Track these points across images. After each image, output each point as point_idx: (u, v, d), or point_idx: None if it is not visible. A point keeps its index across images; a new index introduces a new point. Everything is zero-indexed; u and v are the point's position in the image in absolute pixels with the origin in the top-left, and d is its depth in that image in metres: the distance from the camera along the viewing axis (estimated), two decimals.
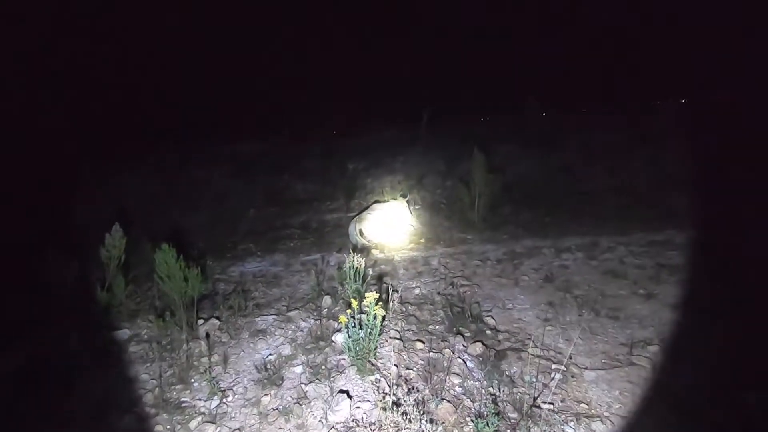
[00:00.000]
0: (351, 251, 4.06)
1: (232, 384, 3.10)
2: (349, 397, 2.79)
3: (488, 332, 3.61)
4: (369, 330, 2.95)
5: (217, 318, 3.93)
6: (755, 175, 6.60)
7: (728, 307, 3.61)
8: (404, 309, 3.97)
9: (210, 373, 3.15)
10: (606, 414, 2.70)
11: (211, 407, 2.88)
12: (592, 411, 2.73)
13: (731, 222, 5.32)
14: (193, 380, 3.16)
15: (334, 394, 2.84)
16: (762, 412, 2.62)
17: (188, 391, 3.05)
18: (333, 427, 2.60)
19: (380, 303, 2.94)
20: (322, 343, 3.48)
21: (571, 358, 3.19)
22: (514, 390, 2.89)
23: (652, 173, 7.58)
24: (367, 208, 6.31)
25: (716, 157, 7.79)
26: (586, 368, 3.13)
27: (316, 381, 3.01)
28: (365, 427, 2.56)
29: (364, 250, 5.38)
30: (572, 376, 3.05)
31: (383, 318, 3.25)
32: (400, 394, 2.79)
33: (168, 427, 2.76)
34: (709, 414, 2.62)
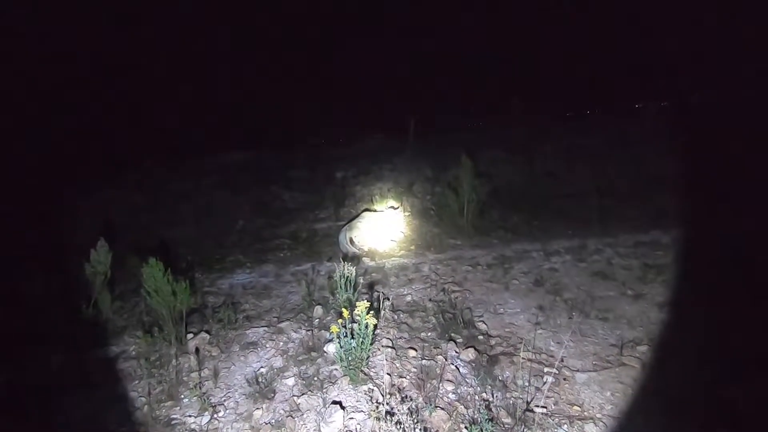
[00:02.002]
0: (341, 260, 4.05)
1: (223, 399, 3.05)
2: (342, 408, 2.77)
3: (480, 337, 3.62)
4: (361, 339, 2.93)
5: (207, 332, 3.87)
6: (736, 174, 6.77)
7: (715, 304, 3.68)
8: (396, 317, 3.96)
9: (200, 388, 3.10)
10: (599, 416, 2.72)
11: (202, 423, 2.82)
12: (585, 413, 2.75)
13: (714, 221, 5.44)
14: (183, 396, 3.09)
15: (326, 406, 2.81)
16: (750, 408, 2.66)
17: (178, 408, 2.99)
18: None
19: (372, 311, 2.93)
20: (314, 353, 3.45)
21: (562, 360, 3.22)
22: (508, 395, 2.90)
23: (635, 175, 7.72)
24: (356, 216, 6.32)
25: (698, 158, 7.98)
26: (577, 370, 3.15)
27: (309, 393, 2.98)
28: None
29: (354, 259, 5.37)
30: (564, 379, 3.07)
31: (375, 326, 3.24)
32: (393, 403, 2.77)
33: None
34: (699, 412, 2.65)
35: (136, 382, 3.31)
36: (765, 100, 10.37)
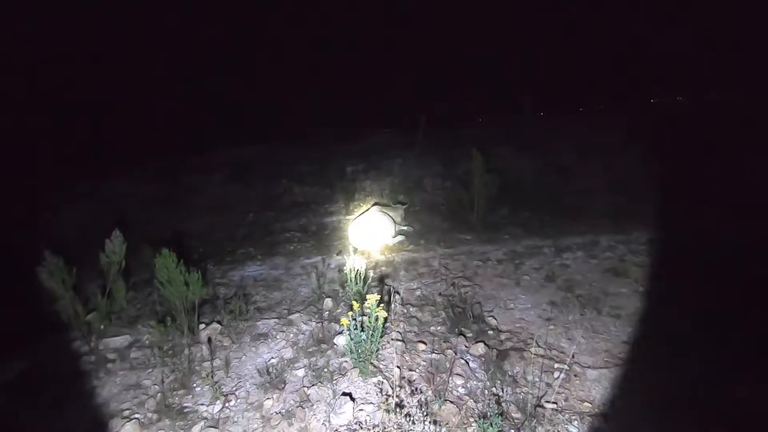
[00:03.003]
0: (352, 253, 4.05)
1: (234, 388, 3.09)
2: (352, 399, 2.78)
3: (490, 332, 3.60)
4: (371, 332, 2.94)
5: (219, 322, 3.91)
6: (750, 172, 6.65)
7: (729, 301, 3.63)
8: (406, 310, 3.96)
9: (212, 377, 3.14)
10: (609, 412, 2.70)
11: (214, 412, 2.86)
12: (596, 410, 2.73)
13: (728, 218, 5.35)
14: (195, 385, 3.14)
15: (336, 397, 2.83)
16: (762, 407, 2.62)
17: (190, 396, 3.04)
18: (336, 430, 2.59)
19: (382, 305, 2.93)
20: (324, 345, 3.47)
21: (573, 357, 3.19)
22: (517, 390, 2.89)
23: (646, 172, 7.59)
24: (366, 210, 6.31)
25: (712, 154, 7.84)
26: (588, 367, 3.13)
27: (319, 384, 3.00)
28: (369, 430, 2.55)
29: (364, 253, 5.38)
30: (575, 376, 3.05)
31: (385, 320, 3.25)
32: (403, 396, 2.78)
33: None
34: (712, 410, 2.62)
35: (150, 370, 3.37)
36: None
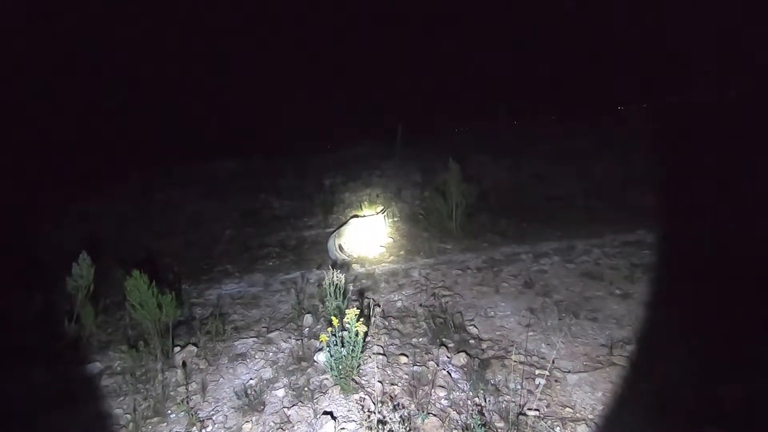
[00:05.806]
0: (331, 267, 4.01)
1: (211, 413, 2.98)
2: (334, 418, 2.72)
3: (471, 341, 3.60)
4: (351, 347, 2.90)
5: (194, 344, 3.79)
6: (717, 174, 6.92)
7: (701, 301, 3.73)
8: (387, 323, 3.93)
9: (187, 402, 3.03)
10: (590, 417, 2.72)
11: None
12: (577, 414, 2.74)
13: (697, 220, 5.54)
14: (170, 412, 3.02)
15: (317, 417, 2.77)
16: (741, 405, 2.68)
17: (165, 424, 2.91)
18: None
19: (362, 319, 2.90)
20: (304, 363, 3.40)
21: (553, 362, 3.21)
22: (500, 399, 2.88)
23: (621, 176, 7.83)
24: (345, 223, 6.28)
25: (681, 158, 8.14)
26: (568, 372, 3.15)
27: (299, 404, 2.93)
28: None
29: (344, 266, 5.33)
30: (556, 381, 3.07)
31: (365, 334, 3.21)
32: (385, 412, 2.74)
33: None
34: (690, 410, 2.67)
35: (122, 398, 3.23)
36: (744, 103, 10.67)
